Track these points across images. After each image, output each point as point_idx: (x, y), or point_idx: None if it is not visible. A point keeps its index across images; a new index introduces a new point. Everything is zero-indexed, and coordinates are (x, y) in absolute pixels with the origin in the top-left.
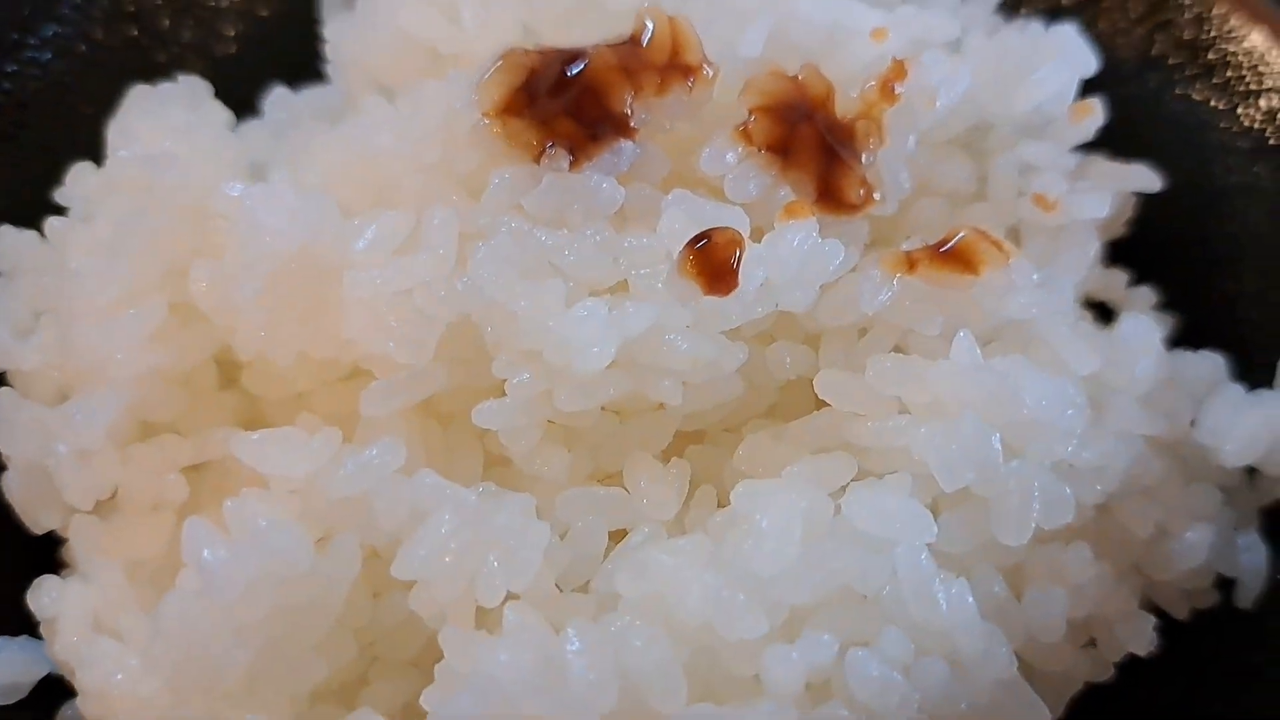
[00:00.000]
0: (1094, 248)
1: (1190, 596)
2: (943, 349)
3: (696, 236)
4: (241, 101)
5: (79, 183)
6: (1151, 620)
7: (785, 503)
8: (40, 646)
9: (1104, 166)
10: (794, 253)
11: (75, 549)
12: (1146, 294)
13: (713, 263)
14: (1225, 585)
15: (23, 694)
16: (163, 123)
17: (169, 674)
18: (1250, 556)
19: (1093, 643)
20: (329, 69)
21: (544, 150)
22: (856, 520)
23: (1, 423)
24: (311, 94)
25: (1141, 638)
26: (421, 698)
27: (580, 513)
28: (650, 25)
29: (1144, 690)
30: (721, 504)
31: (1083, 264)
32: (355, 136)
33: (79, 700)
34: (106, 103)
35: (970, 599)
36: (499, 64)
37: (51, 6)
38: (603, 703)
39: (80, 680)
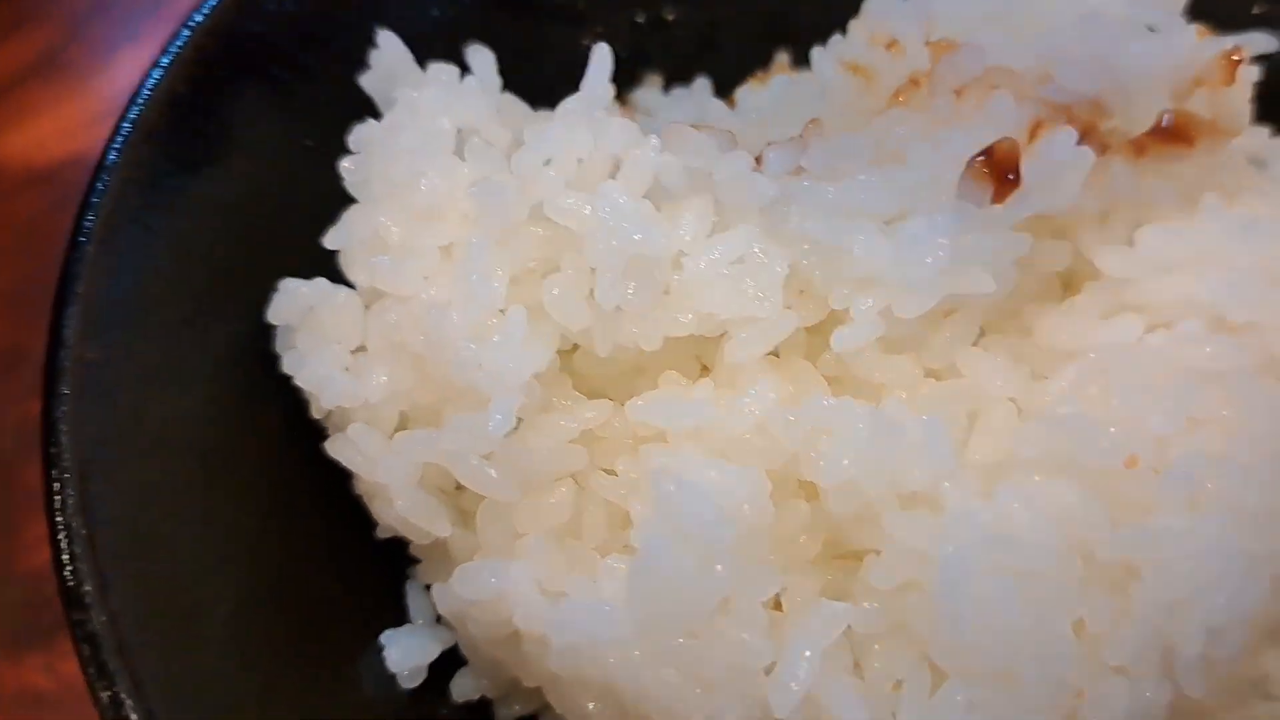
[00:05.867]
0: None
1: None
2: (1180, 212)
3: (980, 151)
4: None
5: (364, 224)
6: None
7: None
8: (420, 630)
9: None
10: (1058, 157)
11: (486, 532)
12: None
13: (1000, 168)
14: None
15: (423, 675)
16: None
17: (647, 610)
18: None
19: None
20: None
21: None
22: (1188, 359)
23: (370, 456)
24: None
25: None
26: (872, 575)
27: (941, 403)
28: None
29: None
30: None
31: None
32: None
33: (553, 659)
34: None
35: None
36: None
37: None
38: (1051, 542)
39: (555, 640)
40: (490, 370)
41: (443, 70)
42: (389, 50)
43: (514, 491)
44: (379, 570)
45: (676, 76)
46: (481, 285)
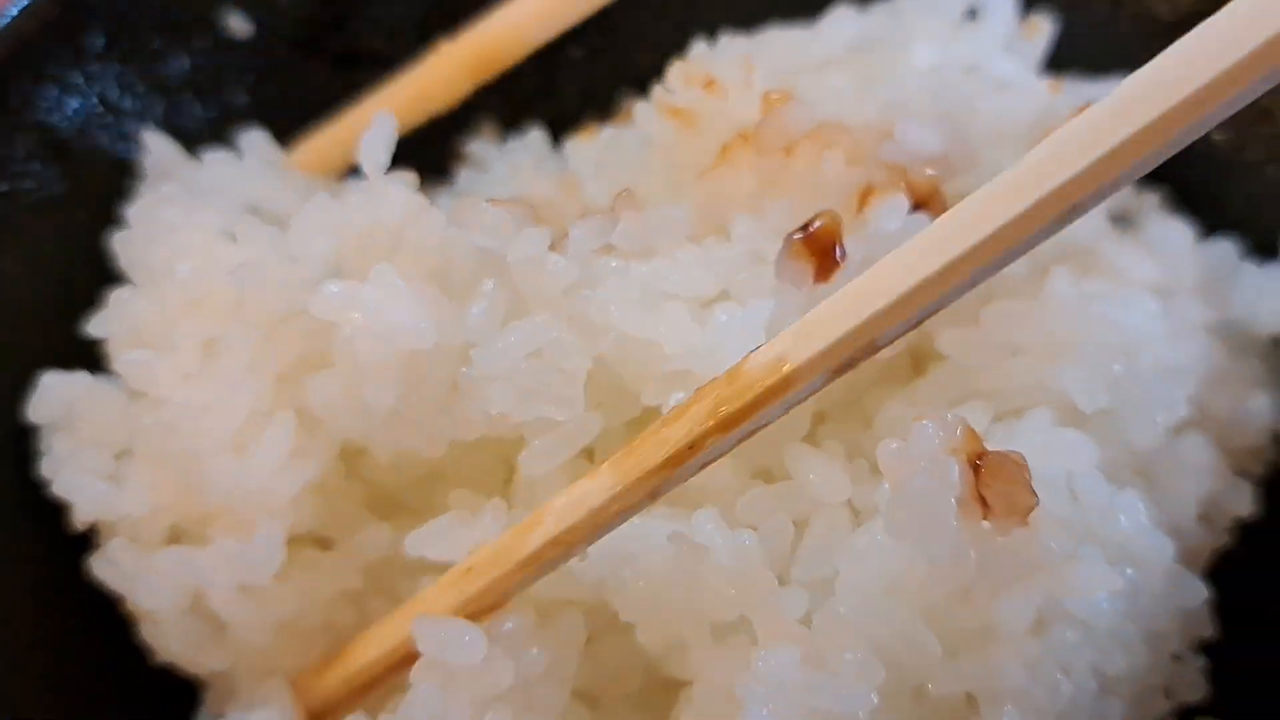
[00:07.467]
0: None
1: (1258, 457)
2: (1029, 287)
3: (800, 227)
4: None
5: (128, 311)
6: (1248, 486)
7: None
8: None
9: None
10: (887, 228)
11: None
12: (1153, 198)
13: (820, 246)
14: None
15: None
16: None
17: None
18: None
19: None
20: None
21: None
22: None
23: (131, 576)
24: None
25: (1244, 501)
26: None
27: (766, 512)
28: None
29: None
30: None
31: None
32: None
33: None
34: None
35: (1141, 505)
36: None
37: None
38: (875, 677)
39: None
40: (248, 489)
41: (218, 156)
42: (158, 152)
43: (268, 637)
44: (165, 703)
45: (515, 123)
46: (242, 386)
